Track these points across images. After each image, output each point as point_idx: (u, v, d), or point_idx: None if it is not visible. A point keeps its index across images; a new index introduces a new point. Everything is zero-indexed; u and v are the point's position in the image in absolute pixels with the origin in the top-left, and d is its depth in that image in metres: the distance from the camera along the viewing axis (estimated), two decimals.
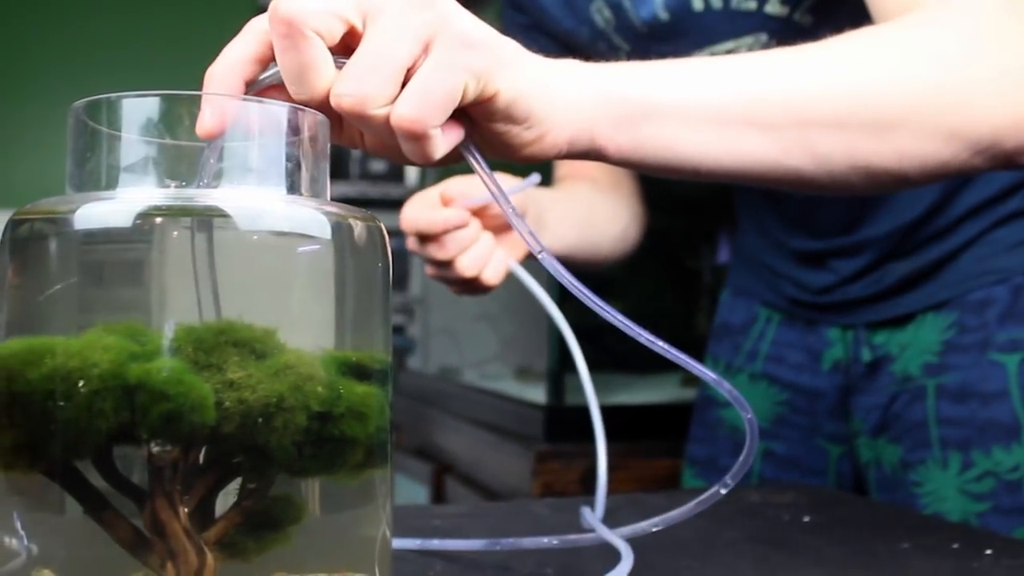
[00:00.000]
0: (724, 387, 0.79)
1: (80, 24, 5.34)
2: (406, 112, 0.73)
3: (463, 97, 0.75)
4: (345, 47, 0.73)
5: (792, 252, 1.49)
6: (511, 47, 0.78)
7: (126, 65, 5.19)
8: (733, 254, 1.71)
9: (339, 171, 4.21)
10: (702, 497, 0.85)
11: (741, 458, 0.81)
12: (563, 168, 1.54)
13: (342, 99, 0.72)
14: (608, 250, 1.47)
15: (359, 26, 0.73)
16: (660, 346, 0.77)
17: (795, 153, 0.89)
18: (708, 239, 2.54)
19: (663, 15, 1.29)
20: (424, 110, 0.73)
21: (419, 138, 0.74)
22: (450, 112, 0.75)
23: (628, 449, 2.23)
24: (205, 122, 0.67)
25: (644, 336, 0.76)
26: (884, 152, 0.90)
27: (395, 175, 4.32)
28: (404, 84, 0.73)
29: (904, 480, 1.37)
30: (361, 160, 4.32)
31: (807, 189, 0.93)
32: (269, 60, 0.74)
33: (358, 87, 0.72)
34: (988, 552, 1.02)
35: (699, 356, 1.61)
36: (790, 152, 0.88)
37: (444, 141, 0.76)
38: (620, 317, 0.76)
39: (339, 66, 0.73)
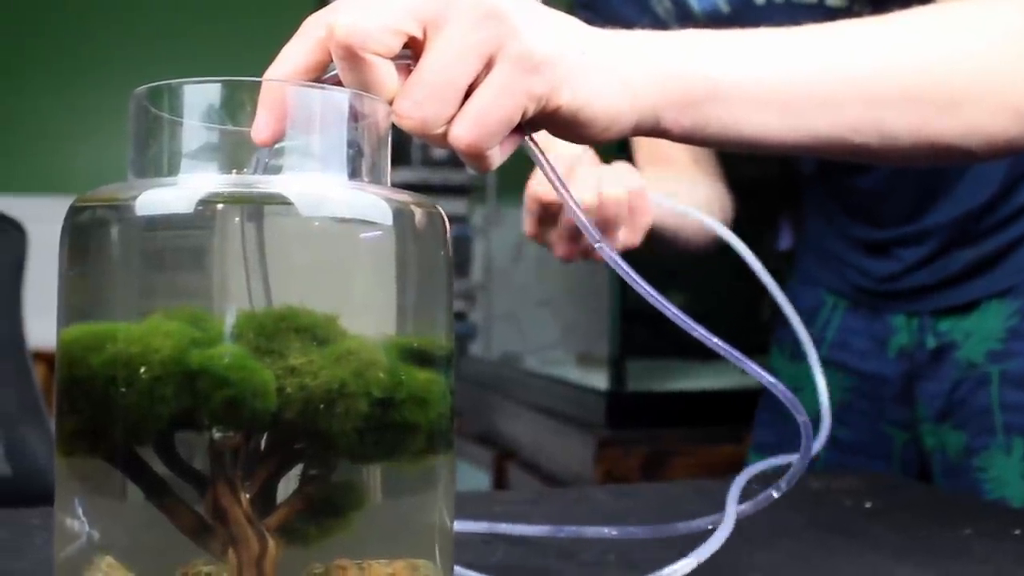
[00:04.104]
0: (779, 389, 0.78)
1: (141, 10, 5.38)
2: (462, 135, 0.72)
3: (522, 117, 0.74)
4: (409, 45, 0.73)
5: (856, 241, 1.48)
6: (575, 53, 0.76)
7: (187, 51, 5.22)
8: (799, 241, 1.71)
9: (400, 157, 4.21)
10: (758, 499, 0.85)
11: (796, 463, 0.81)
12: (640, 153, 1.52)
13: (402, 120, 0.72)
14: (693, 232, 1.42)
15: (420, 36, 0.72)
16: (718, 344, 0.76)
17: (861, 130, 0.88)
18: (770, 226, 2.52)
19: (724, 8, 1.28)
20: (480, 135, 0.72)
21: (475, 156, 0.74)
22: (506, 134, 0.74)
23: (691, 435, 2.23)
24: (260, 130, 0.67)
25: (699, 331, 0.75)
26: (952, 128, 0.89)
27: (457, 161, 4.31)
28: (466, 95, 0.73)
29: (968, 466, 1.37)
30: (423, 146, 4.32)
31: (870, 162, 0.92)
32: (326, 65, 0.73)
33: (418, 111, 0.71)
34: None
35: (762, 343, 1.60)
36: (856, 129, 0.87)
37: (501, 155, 0.76)
38: (676, 311, 0.75)
39: (400, 67, 0.73)
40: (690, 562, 0.83)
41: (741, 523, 0.88)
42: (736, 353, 0.76)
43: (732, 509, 0.89)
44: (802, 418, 0.79)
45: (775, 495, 0.86)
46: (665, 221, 1.28)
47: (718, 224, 1.18)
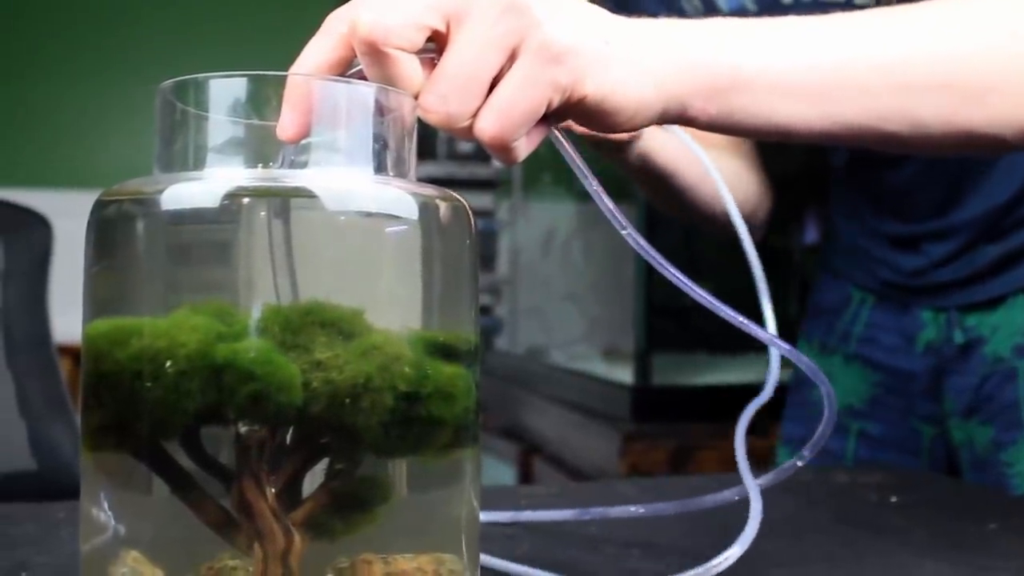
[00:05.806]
0: (803, 362, 0.78)
1: (166, 4, 5.39)
2: (487, 128, 0.72)
3: (548, 108, 0.74)
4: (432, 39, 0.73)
5: (884, 236, 1.48)
6: (598, 42, 0.76)
7: (212, 46, 5.24)
8: (826, 236, 1.70)
9: (426, 151, 4.21)
10: (781, 467, 0.85)
11: (819, 430, 0.81)
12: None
13: (428, 114, 0.72)
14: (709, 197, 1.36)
15: (443, 30, 0.72)
16: (747, 324, 0.76)
17: (892, 119, 0.87)
18: (796, 219, 2.52)
19: (751, 6, 1.28)
20: (505, 127, 0.72)
21: (501, 149, 0.74)
22: (532, 125, 0.74)
23: (719, 429, 2.23)
24: (285, 127, 0.67)
25: (728, 313, 0.75)
26: (982, 117, 0.88)
27: (483, 155, 4.31)
28: (491, 87, 0.73)
29: (995, 461, 1.36)
30: (448, 140, 4.32)
31: (900, 151, 0.92)
32: (350, 61, 0.73)
33: (443, 104, 0.71)
34: None
35: (789, 336, 1.60)
36: (886, 118, 0.87)
37: (527, 147, 0.76)
38: (706, 295, 0.75)
39: (424, 60, 0.73)
40: (735, 551, 0.83)
41: (766, 515, 0.87)
42: (759, 329, 0.76)
43: (750, 481, 0.89)
44: (825, 388, 0.79)
45: (799, 464, 0.86)
46: (684, 172, 1.25)
47: (720, 179, 1.13)
